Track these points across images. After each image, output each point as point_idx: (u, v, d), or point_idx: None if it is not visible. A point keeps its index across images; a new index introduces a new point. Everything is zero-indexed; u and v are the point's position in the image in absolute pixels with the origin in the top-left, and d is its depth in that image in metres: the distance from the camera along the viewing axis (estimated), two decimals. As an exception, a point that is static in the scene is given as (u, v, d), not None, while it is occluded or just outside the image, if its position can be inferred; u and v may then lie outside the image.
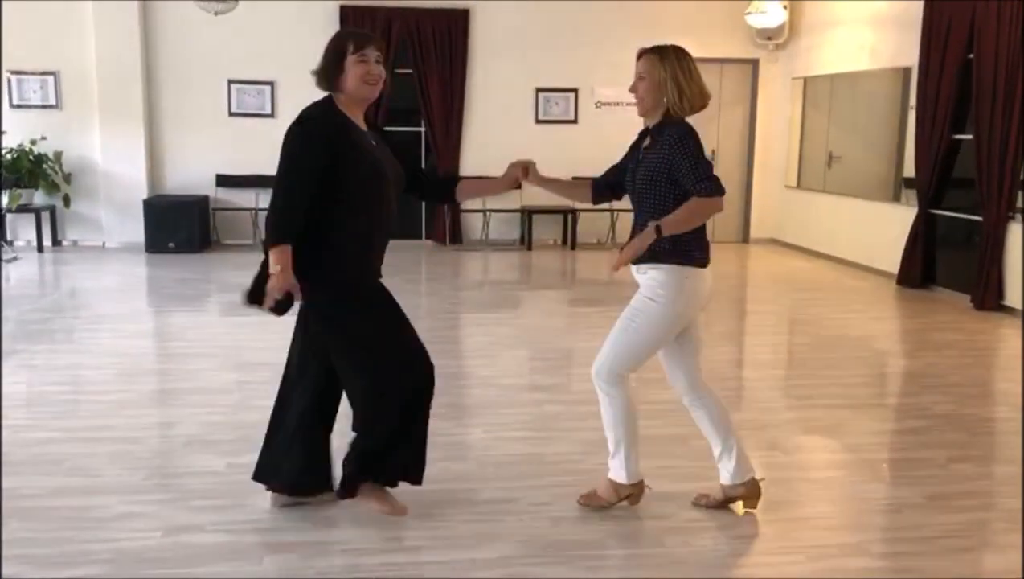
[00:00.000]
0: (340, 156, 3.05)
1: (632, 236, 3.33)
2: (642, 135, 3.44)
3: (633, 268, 3.35)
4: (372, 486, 3.33)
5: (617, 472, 3.46)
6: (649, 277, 3.30)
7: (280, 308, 3.14)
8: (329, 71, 3.13)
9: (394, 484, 3.38)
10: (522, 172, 3.48)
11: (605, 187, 3.58)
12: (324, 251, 3.10)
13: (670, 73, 3.23)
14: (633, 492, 3.49)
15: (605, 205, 3.74)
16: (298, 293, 3.12)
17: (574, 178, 3.45)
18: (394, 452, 3.29)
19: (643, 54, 3.31)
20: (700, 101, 3.29)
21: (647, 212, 3.28)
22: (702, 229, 3.30)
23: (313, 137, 3.06)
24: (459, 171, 10.59)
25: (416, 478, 3.36)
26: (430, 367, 3.30)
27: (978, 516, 3.56)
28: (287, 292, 3.09)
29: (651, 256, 3.26)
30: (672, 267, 3.25)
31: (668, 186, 3.23)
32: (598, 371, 3.41)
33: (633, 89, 3.33)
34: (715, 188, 3.17)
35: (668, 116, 3.28)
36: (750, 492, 3.49)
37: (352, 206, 3.11)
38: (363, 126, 3.20)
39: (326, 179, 3.04)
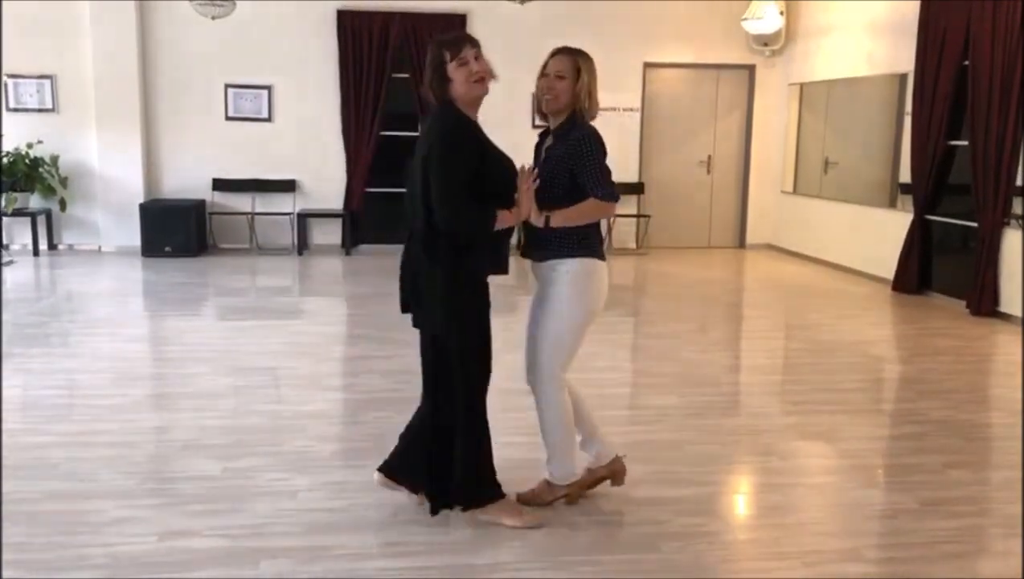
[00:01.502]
0: (484, 155, 3.18)
1: (530, 238, 3.42)
2: (542, 136, 3.54)
3: (539, 265, 3.44)
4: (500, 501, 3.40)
5: (553, 474, 3.53)
6: (557, 273, 3.37)
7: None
8: (436, 85, 3.20)
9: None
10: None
11: None
12: (475, 243, 3.17)
13: (588, 80, 3.35)
14: (571, 491, 3.56)
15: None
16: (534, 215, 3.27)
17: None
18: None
19: (562, 53, 3.39)
20: (596, 111, 3.42)
21: (545, 208, 3.34)
22: (598, 225, 3.46)
23: (468, 147, 3.16)
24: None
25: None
26: None
27: (973, 522, 3.56)
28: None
29: (558, 251, 3.35)
30: (581, 260, 3.36)
31: (568, 184, 3.33)
32: (539, 378, 3.45)
33: (550, 87, 3.36)
34: (612, 195, 3.31)
35: (573, 119, 3.37)
36: (615, 471, 3.61)
37: (498, 200, 3.19)
38: None
39: (477, 176, 3.14)
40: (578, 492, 3.59)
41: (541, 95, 3.41)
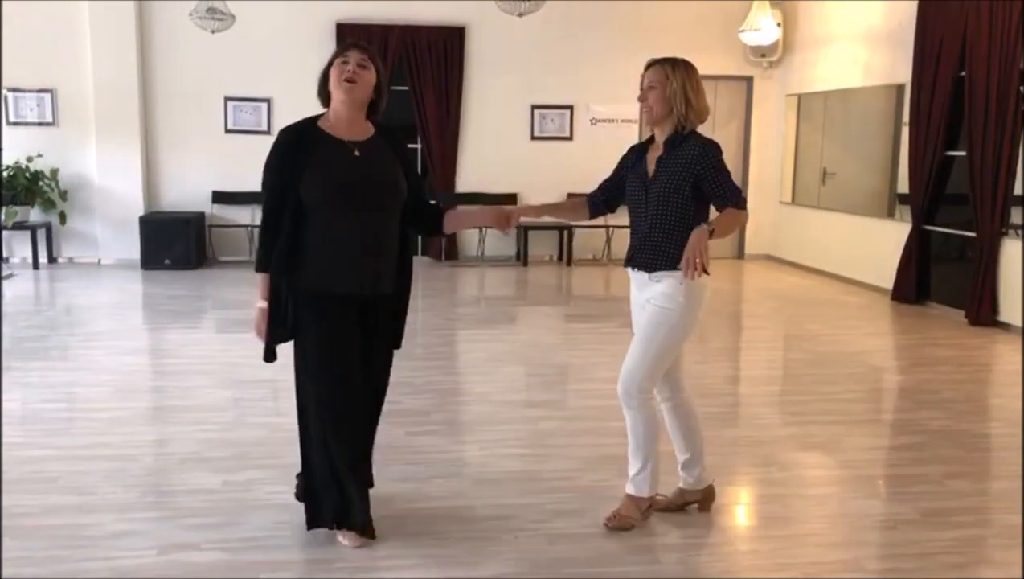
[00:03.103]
0: (298, 166, 3.08)
1: (641, 249, 3.35)
2: (641, 148, 3.49)
3: (646, 275, 3.36)
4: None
5: (640, 488, 3.48)
6: (666, 285, 3.33)
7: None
8: (320, 83, 3.18)
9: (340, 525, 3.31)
10: (506, 221, 3.36)
11: (602, 204, 3.62)
12: (300, 255, 3.11)
13: (680, 85, 3.30)
14: (652, 503, 3.54)
15: (600, 221, 3.80)
16: (262, 334, 3.18)
17: (569, 195, 3.51)
18: (328, 491, 3.24)
19: (654, 64, 3.37)
20: (704, 115, 3.38)
21: (669, 224, 3.31)
22: None
23: (273, 158, 3.13)
24: (455, 187, 10.65)
25: (358, 526, 3.28)
26: (359, 410, 3.25)
27: (974, 532, 3.56)
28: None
29: (673, 261, 3.28)
30: None
31: (692, 197, 3.30)
32: (627, 389, 3.40)
33: (643, 99, 3.37)
34: (745, 201, 3.31)
35: (680, 127, 3.33)
36: (707, 496, 3.62)
37: (318, 214, 3.10)
38: (353, 134, 3.16)
39: (295, 188, 3.07)
40: (654, 502, 3.55)
41: (641, 109, 3.42)
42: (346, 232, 3.12)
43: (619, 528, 3.46)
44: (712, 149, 3.31)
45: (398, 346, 3.40)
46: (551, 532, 3.44)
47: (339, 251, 3.12)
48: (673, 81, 3.30)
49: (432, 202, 3.36)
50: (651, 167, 3.39)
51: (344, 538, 3.29)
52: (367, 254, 3.15)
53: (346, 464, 3.20)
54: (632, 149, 3.56)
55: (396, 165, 3.24)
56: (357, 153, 3.15)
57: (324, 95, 3.19)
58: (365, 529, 3.29)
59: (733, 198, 3.28)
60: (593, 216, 3.69)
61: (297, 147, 3.10)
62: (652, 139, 3.47)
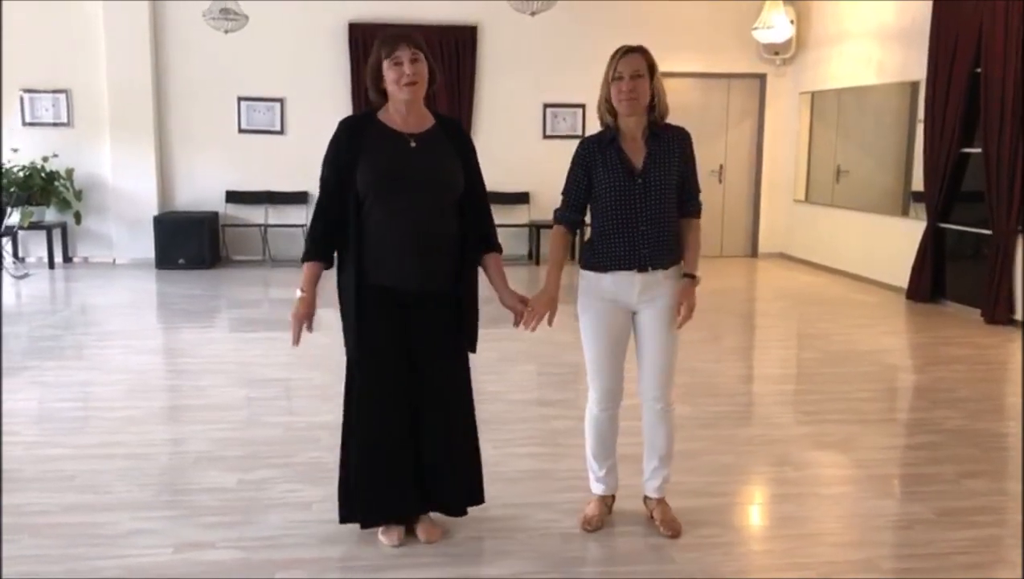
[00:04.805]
0: (351, 159, 3.09)
1: (653, 247, 3.24)
2: (603, 142, 3.28)
3: (661, 273, 3.29)
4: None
5: (665, 485, 3.47)
6: (675, 279, 3.33)
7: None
8: (371, 82, 3.15)
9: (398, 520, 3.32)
10: (519, 315, 3.37)
11: (581, 220, 3.41)
12: (351, 247, 3.11)
13: (658, 74, 3.25)
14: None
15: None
16: (310, 323, 3.17)
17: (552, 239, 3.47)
18: (363, 487, 3.24)
19: (633, 52, 3.23)
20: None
21: (672, 216, 3.28)
22: None
23: (329, 151, 3.15)
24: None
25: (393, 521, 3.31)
26: (405, 402, 3.22)
27: (990, 532, 3.54)
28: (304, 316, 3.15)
29: (677, 255, 3.33)
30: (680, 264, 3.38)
31: (677, 193, 3.28)
32: (668, 394, 3.37)
33: (632, 88, 3.17)
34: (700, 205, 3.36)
35: (660, 117, 3.27)
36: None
37: (369, 204, 3.09)
38: (411, 126, 3.14)
39: (351, 179, 3.08)
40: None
41: (619, 98, 3.20)
42: (396, 223, 3.08)
43: (679, 534, 3.39)
44: (690, 135, 3.30)
45: (471, 349, 3.33)
46: (564, 531, 3.44)
47: (388, 242, 3.09)
48: (656, 71, 3.22)
49: (487, 222, 3.33)
50: (636, 160, 3.22)
51: (383, 536, 3.31)
52: (416, 247, 3.09)
53: (382, 458, 3.21)
54: (588, 146, 3.31)
55: (454, 159, 3.17)
56: (413, 144, 3.13)
57: (375, 87, 3.15)
58: (401, 522, 3.31)
59: (697, 197, 3.31)
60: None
61: (351, 139, 3.11)
62: (608, 131, 3.29)
